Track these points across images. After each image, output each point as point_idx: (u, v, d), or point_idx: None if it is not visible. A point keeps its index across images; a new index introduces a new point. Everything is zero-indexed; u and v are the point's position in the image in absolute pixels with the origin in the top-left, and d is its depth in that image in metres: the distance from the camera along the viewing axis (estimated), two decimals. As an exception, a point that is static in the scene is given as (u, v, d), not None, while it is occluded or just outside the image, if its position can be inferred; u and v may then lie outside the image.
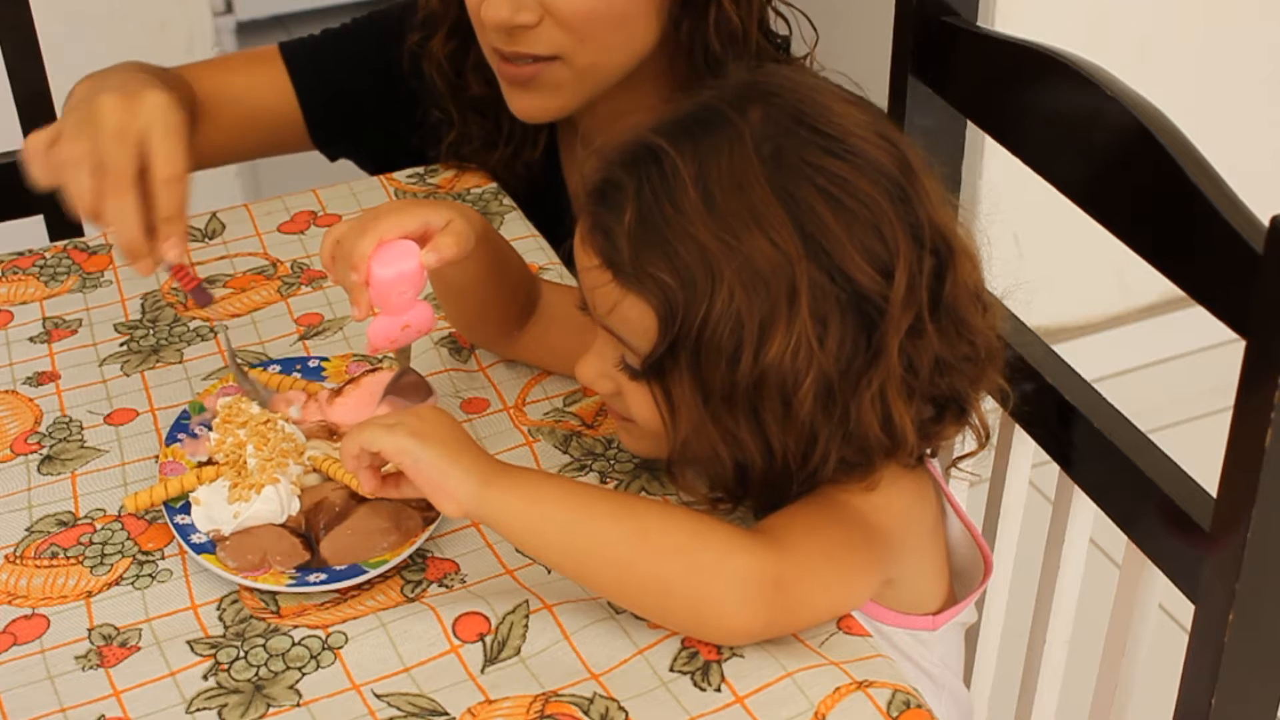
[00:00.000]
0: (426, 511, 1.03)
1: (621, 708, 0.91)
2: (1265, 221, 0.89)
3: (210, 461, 1.08)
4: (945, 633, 1.08)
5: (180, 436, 1.11)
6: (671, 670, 0.93)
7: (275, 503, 1.02)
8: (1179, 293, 1.00)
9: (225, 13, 3.59)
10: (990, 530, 1.26)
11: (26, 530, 1.06)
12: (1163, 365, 2.53)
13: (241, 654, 0.95)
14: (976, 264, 1.00)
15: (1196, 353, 2.42)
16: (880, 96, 1.24)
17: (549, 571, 1.01)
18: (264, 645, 0.96)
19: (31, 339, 1.26)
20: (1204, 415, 2.17)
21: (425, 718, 0.91)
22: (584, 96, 1.32)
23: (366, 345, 1.05)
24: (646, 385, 0.97)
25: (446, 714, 0.91)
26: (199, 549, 1.01)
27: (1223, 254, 0.94)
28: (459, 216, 1.04)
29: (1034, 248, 2.04)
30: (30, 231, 1.53)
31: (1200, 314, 0.98)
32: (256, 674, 0.94)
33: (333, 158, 1.56)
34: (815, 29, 1.35)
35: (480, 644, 0.95)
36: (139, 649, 0.96)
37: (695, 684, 0.92)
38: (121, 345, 1.25)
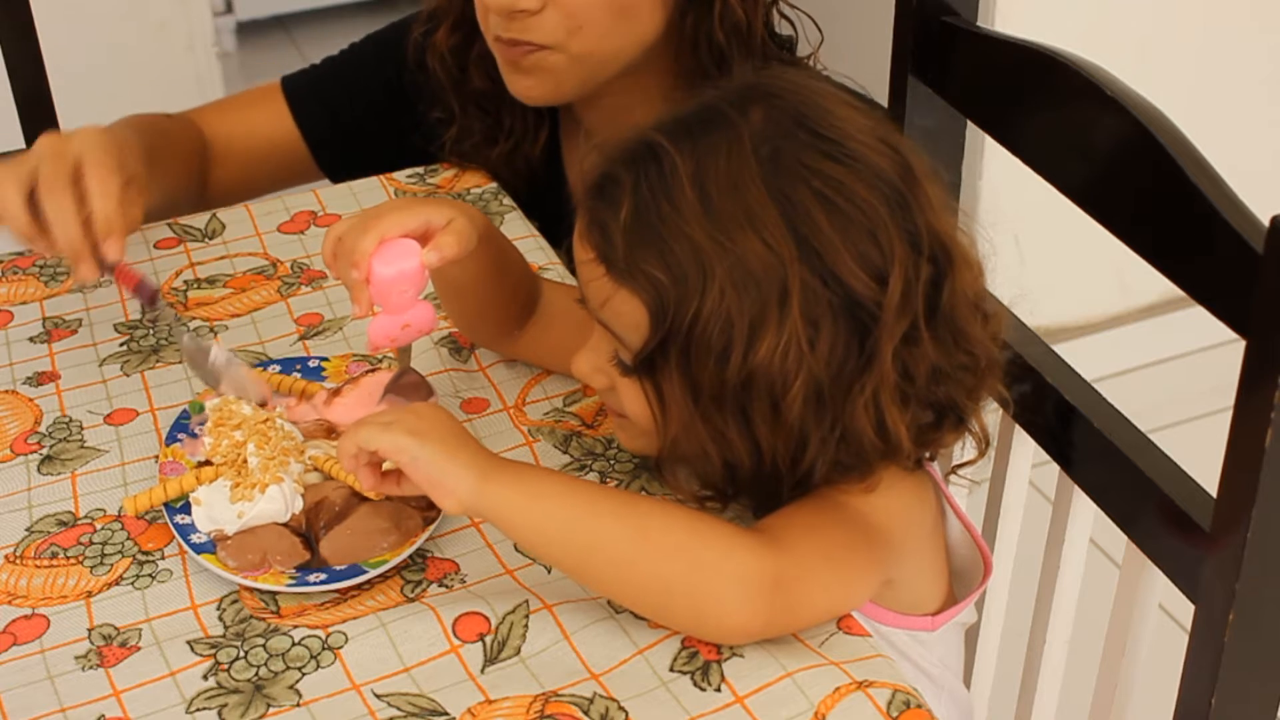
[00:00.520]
0: (426, 511, 1.03)
1: (621, 708, 0.91)
2: (1265, 221, 0.89)
3: (209, 463, 1.08)
4: (945, 633, 1.07)
5: (180, 436, 1.11)
6: (671, 670, 0.93)
7: (279, 501, 1.02)
8: (1179, 293, 1.00)
9: (225, 13, 3.59)
10: (990, 530, 1.26)
11: (26, 530, 1.06)
12: (1163, 365, 2.53)
13: (241, 654, 0.95)
14: (978, 273, 0.99)
15: (1196, 353, 2.42)
16: (880, 96, 1.24)
17: (549, 571, 1.01)
18: (264, 645, 0.96)
19: (31, 339, 1.26)
20: (1204, 415, 2.16)
21: (425, 718, 0.91)
22: (583, 81, 1.32)
23: (367, 344, 1.05)
24: (638, 381, 0.97)
25: (446, 714, 0.91)
26: (199, 549, 1.01)
27: (1223, 254, 0.94)
28: (461, 215, 1.04)
29: (1034, 248, 2.04)
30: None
31: (1200, 314, 0.98)
32: (256, 674, 0.94)
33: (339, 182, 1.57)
34: (820, 31, 1.35)
35: (480, 644, 0.95)
36: (139, 649, 0.96)
37: (695, 684, 0.92)
38: (121, 345, 1.25)
